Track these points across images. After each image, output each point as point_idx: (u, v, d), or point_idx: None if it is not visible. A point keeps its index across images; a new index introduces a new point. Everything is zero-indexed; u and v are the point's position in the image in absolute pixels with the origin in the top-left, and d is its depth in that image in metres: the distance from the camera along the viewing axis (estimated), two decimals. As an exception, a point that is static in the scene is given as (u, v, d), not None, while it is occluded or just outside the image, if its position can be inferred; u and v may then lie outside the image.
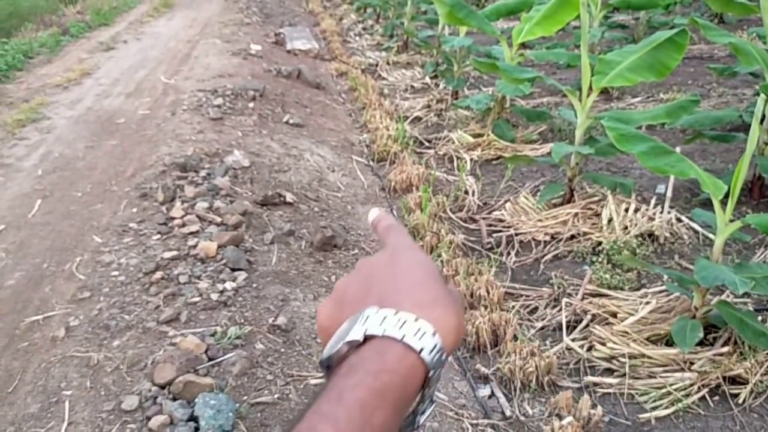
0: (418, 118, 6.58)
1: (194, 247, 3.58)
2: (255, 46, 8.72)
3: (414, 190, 4.78)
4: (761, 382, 2.73)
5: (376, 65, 8.74)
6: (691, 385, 2.77)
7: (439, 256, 3.83)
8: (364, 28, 11.27)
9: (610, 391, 2.83)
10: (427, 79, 7.76)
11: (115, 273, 3.41)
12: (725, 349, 2.87)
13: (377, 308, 0.55)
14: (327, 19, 12.20)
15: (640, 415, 2.68)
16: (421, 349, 0.52)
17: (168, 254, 3.51)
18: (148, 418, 2.40)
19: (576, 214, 4.18)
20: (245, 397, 2.59)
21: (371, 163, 5.62)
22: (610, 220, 4.03)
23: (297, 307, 3.29)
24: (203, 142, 5.12)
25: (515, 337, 3.10)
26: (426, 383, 0.54)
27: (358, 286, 0.60)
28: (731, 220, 2.89)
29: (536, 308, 3.48)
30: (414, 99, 7.18)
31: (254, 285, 3.39)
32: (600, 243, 3.87)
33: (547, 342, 3.16)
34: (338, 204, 4.70)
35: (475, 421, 2.69)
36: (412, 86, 7.73)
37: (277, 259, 3.71)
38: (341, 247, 4.01)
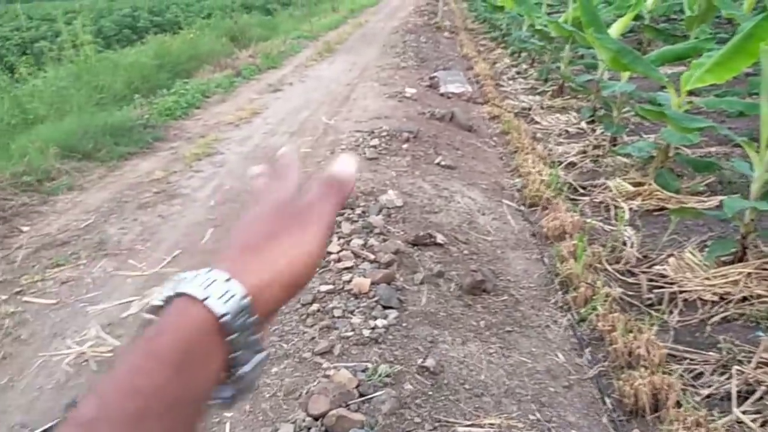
0: (572, 164, 6.42)
1: (348, 282, 3.71)
2: (410, 90, 8.98)
3: (567, 238, 4.64)
4: None
5: (530, 109, 8.66)
6: None
7: (594, 309, 3.68)
8: (518, 72, 11.23)
9: (789, 475, 2.54)
10: (583, 125, 7.56)
11: (275, 302, 3.60)
12: None
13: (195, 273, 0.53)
14: (480, 63, 12.31)
15: None
16: (206, 298, 0.49)
17: (324, 287, 3.66)
18: (302, 448, 2.49)
19: (749, 274, 3.85)
20: (394, 437, 2.61)
21: (522, 208, 5.54)
22: (790, 284, 3.67)
23: (445, 350, 3.29)
24: (359, 181, 5.32)
25: (678, 404, 2.89)
26: (231, 345, 0.49)
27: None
28: None
29: (701, 374, 3.23)
30: (568, 144, 7.02)
31: (404, 324, 3.43)
32: (778, 308, 3.52)
33: (715, 412, 2.90)
34: (487, 248, 4.67)
35: (631, 491, 2.52)
36: (567, 131, 7.56)
37: (426, 300, 3.74)
38: (490, 292, 3.96)
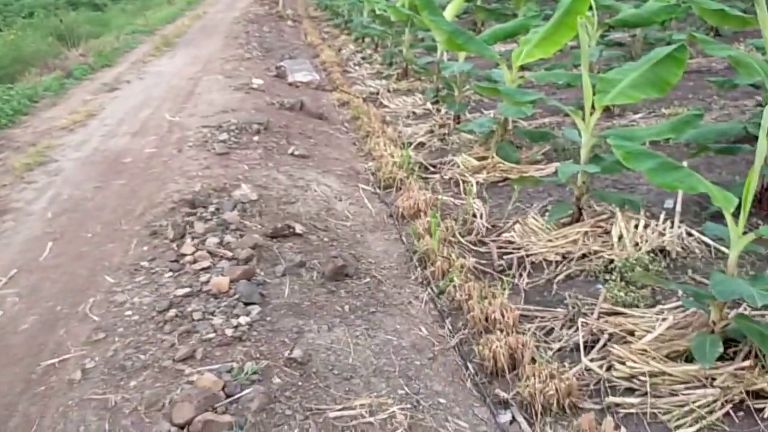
0: (421, 144, 6.61)
1: (206, 283, 3.59)
2: (257, 81, 8.81)
3: (422, 216, 4.78)
4: (785, 395, 2.69)
5: (377, 93, 8.80)
6: (714, 401, 2.74)
7: (452, 280, 3.83)
8: (363, 58, 11.38)
9: (632, 411, 2.79)
10: (429, 105, 7.81)
11: (129, 312, 3.41)
12: (747, 363, 2.84)
13: None
14: (326, 51, 12.34)
15: (665, 435, 2.64)
16: None
17: (181, 291, 3.52)
18: (169, 459, 2.38)
19: (586, 233, 4.17)
20: (265, 433, 2.57)
21: (378, 190, 5.64)
22: (620, 238, 4.02)
23: (312, 339, 3.28)
24: (210, 178, 5.15)
25: (533, 360, 3.08)
26: None
27: None
28: (744, 233, 2.88)
29: (552, 329, 3.46)
30: (416, 125, 7.22)
31: (268, 318, 3.38)
32: (612, 261, 3.85)
33: (566, 363, 3.12)
34: (347, 233, 4.71)
35: (497, 448, 2.66)
36: (414, 113, 7.78)
37: (289, 291, 3.71)
38: (353, 276, 4.00)
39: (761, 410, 2.69)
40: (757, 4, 3.78)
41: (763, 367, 2.82)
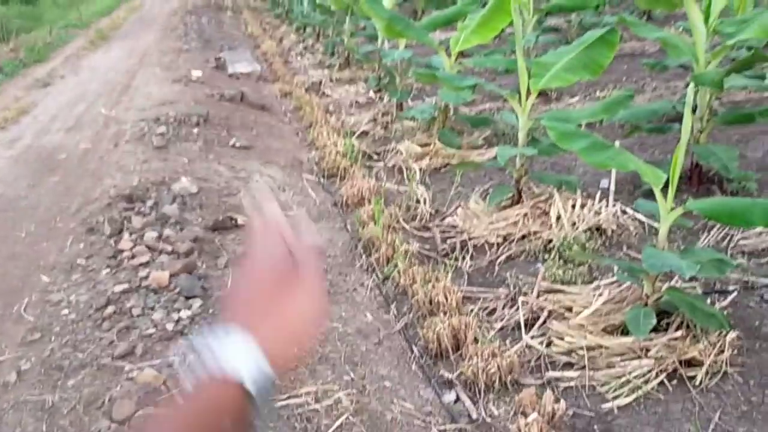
0: (365, 133, 6.61)
1: (146, 278, 3.52)
2: (196, 72, 8.65)
3: (366, 204, 4.79)
4: (715, 362, 2.80)
5: (320, 83, 8.75)
6: (649, 371, 2.83)
7: (396, 266, 3.85)
8: (305, 48, 11.28)
9: (571, 384, 2.87)
10: (371, 94, 7.81)
11: (66, 311, 3.32)
12: (679, 333, 2.95)
13: (204, 336, 0.57)
14: (267, 41, 12.19)
15: (603, 405, 2.72)
16: (237, 373, 0.55)
17: (119, 288, 3.44)
18: (109, 457, 2.34)
19: (525, 214, 4.25)
20: (209, 426, 2.54)
21: (322, 179, 5.62)
22: (558, 218, 4.12)
23: (256, 330, 3.25)
24: (149, 172, 5.04)
25: (476, 340, 3.13)
26: (251, 404, 0.56)
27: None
28: (673, 208, 2.99)
29: (494, 309, 3.52)
30: (360, 114, 7.22)
31: (210, 311, 3.34)
32: (551, 240, 3.94)
33: (507, 342, 3.19)
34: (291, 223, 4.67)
35: (442, 427, 2.70)
36: (357, 101, 7.76)
37: (232, 284, 3.66)
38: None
39: (693, 377, 2.79)
40: (682, -13, 3.91)
41: (694, 336, 2.93)
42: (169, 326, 3.11)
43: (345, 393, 2.83)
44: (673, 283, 3.28)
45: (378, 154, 6.01)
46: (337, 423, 2.64)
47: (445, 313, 3.34)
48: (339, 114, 7.32)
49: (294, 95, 8.16)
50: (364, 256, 4.21)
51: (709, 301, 3.16)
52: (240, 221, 4.36)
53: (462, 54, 6.01)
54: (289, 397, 2.77)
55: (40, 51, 11.97)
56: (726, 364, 2.80)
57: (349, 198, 4.98)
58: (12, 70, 10.47)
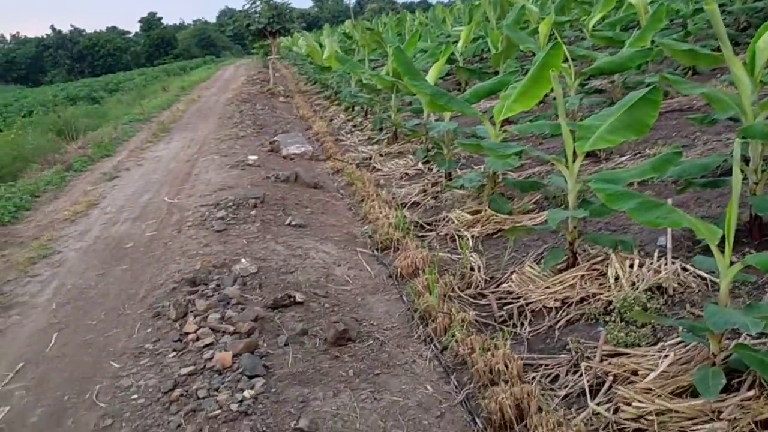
0: (416, 204, 6.72)
1: (210, 359, 3.62)
2: (252, 157, 9.01)
3: (420, 274, 4.83)
4: (794, 422, 2.68)
5: (370, 158, 8.99)
6: (724, 434, 2.72)
7: (453, 335, 3.84)
8: (354, 126, 11.65)
9: (643, 451, 2.77)
10: (420, 165, 7.97)
11: (135, 396, 3.43)
12: (751, 393, 2.83)
13: None
14: (318, 122, 12.64)
15: (677, 473, 2.61)
16: None
17: (185, 370, 3.54)
18: None
19: (582, 277, 4.21)
20: (275, 506, 2.55)
21: (376, 252, 5.71)
22: (616, 279, 4.06)
23: (318, 407, 3.28)
24: (210, 255, 5.23)
25: (540, 409, 3.07)
26: None
27: None
28: (732, 263, 2.92)
29: (557, 376, 3.45)
30: (410, 185, 7.36)
31: (273, 390, 3.39)
32: (610, 302, 3.87)
33: (573, 410, 3.12)
34: (348, 297, 4.75)
35: (510, 501, 2.63)
36: (407, 174, 7.93)
37: (293, 360, 3.73)
38: (355, 339, 4.02)
39: (772, 439, 2.67)
40: (722, 42, 3.93)
41: (768, 395, 2.81)
42: (234, 407, 3.17)
43: (409, 468, 2.80)
44: (741, 340, 3.17)
45: (429, 224, 6.08)
46: (403, 500, 2.61)
47: (506, 382, 3.30)
48: (389, 187, 7.47)
49: (345, 171, 8.39)
50: (421, 327, 4.22)
51: (781, 357, 3.02)
52: (298, 298, 4.45)
53: (507, 121, 6.12)
54: (353, 475, 2.76)
55: (107, 146, 12.70)
56: (807, 423, 2.66)
57: (403, 269, 5.04)
58: (81, 165, 11.12)
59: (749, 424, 2.71)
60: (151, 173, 9.54)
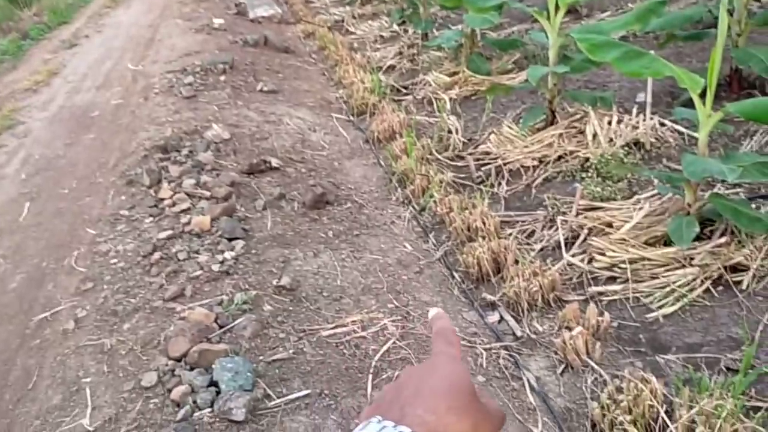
0: (391, 67, 6.52)
1: (188, 223, 3.59)
2: (217, 20, 8.57)
3: (398, 138, 4.76)
4: (762, 266, 2.77)
5: (342, 21, 8.62)
6: (694, 279, 2.81)
7: (432, 197, 3.85)
8: (324, -14, 11.05)
9: (615, 297, 2.87)
10: (395, 27, 7.65)
11: (114, 260, 3.43)
12: (723, 240, 2.91)
13: (379, 418, 0.56)
14: (286, -17, 11.96)
15: (648, 315, 2.73)
16: None
17: (163, 234, 3.53)
18: (169, 391, 2.45)
19: (560, 135, 4.18)
20: (261, 357, 2.63)
21: (351, 117, 5.59)
22: (594, 135, 4.04)
23: (299, 266, 3.32)
24: (180, 122, 5.08)
25: (516, 262, 3.14)
26: None
27: (393, 391, 0.61)
28: (711, 114, 2.90)
29: (533, 231, 3.51)
30: (385, 48, 7.10)
31: (253, 251, 3.41)
32: (587, 159, 3.88)
33: (548, 261, 3.19)
34: (324, 162, 4.69)
35: (488, 346, 2.75)
36: (381, 36, 7.63)
37: (272, 224, 3.72)
38: (333, 203, 4.02)
39: (739, 282, 2.77)
40: None
41: (739, 242, 2.89)
42: (215, 267, 3.19)
43: (390, 320, 2.89)
44: (715, 190, 3.22)
45: (406, 87, 5.93)
46: (384, 348, 2.71)
47: (483, 238, 3.35)
48: (364, 50, 7.21)
49: (317, 35, 8.05)
50: (399, 189, 4.22)
51: (754, 206, 3.09)
52: (274, 164, 4.39)
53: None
54: (336, 327, 2.84)
55: (63, 13, 11.96)
56: (773, 267, 2.76)
57: (380, 133, 4.96)
58: (37, 33, 10.52)
59: (719, 268, 2.80)
60: (112, 40, 9.06)
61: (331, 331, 2.81)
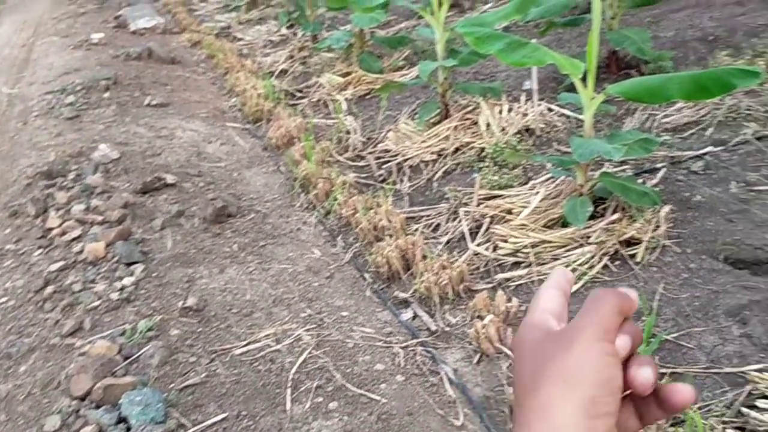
0: (284, 71, 6.43)
1: (81, 252, 3.40)
2: (96, 35, 8.17)
3: (296, 142, 4.70)
4: (653, 238, 2.92)
5: (229, 27, 8.44)
6: (593, 257, 2.93)
7: (335, 199, 3.82)
8: (207, -7, 10.78)
9: (521, 282, 2.95)
10: (284, 31, 7.57)
11: (3, 299, 3.19)
12: (615, 216, 3.04)
13: None
14: (167, -9, 11.57)
15: (553, 296, 2.81)
16: None
17: (55, 266, 3.31)
18: (76, 432, 2.30)
19: (456, 127, 4.26)
20: (172, 385, 2.52)
21: (247, 125, 5.47)
22: (488, 126, 4.14)
23: (205, 285, 3.21)
24: (64, 145, 4.80)
25: (425, 257, 3.16)
26: None
27: (531, 369, 0.54)
28: (594, 97, 3.02)
29: (438, 225, 3.55)
30: (275, 53, 7.00)
31: (154, 274, 3.27)
32: (483, 149, 3.97)
33: (455, 253, 3.24)
34: (223, 174, 4.57)
35: (404, 344, 2.75)
36: (271, 41, 7.52)
37: (172, 243, 3.58)
38: (236, 215, 3.91)
39: (634, 255, 2.91)
40: None
41: (630, 217, 3.03)
42: (114, 295, 3.03)
43: (304, 330, 2.85)
44: (604, 169, 3.37)
45: (300, 90, 5.87)
46: (301, 359, 2.66)
47: (391, 237, 3.36)
48: (254, 56, 7.09)
49: (204, 43, 7.83)
50: (302, 195, 4.16)
51: (640, 180, 3.25)
52: (170, 180, 4.23)
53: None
54: (248, 343, 2.77)
55: None
56: (663, 237, 2.92)
57: (277, 139, 4.88)
58: None
59: (614, 244, 2.93)
60: (-18, 63, 8.46)
61: (244, 349, 2.74)
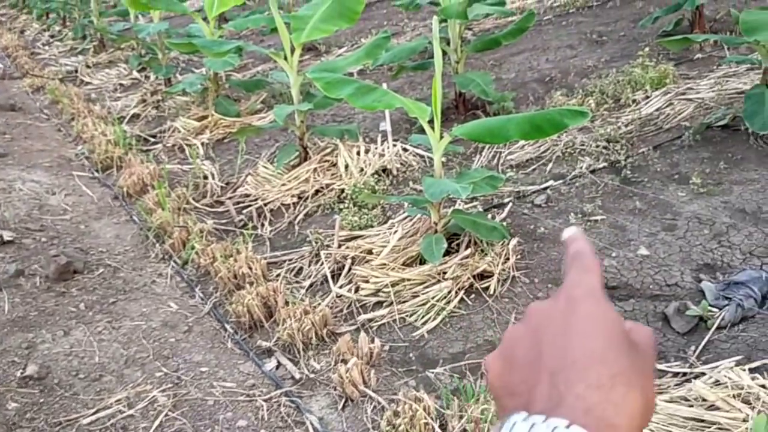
0: (136, 116, 6.19)
1: None
2: None
3: (150, 190, 4.50)
4: (503, 270, 3.05)
5: (76, 71, 8.02)
6: (449, 292, 3.01)
7: (193, 248, 3.68)
8: (51, 36, 10.23)
9: (384, 321, 2.97)
10: (136, 74, 7.30)
11: None
12: (468, 251, 3.16)
13: (525, 415, 0.43)
14: (6, 34, 10.87)
15: (414, 333, 2.86)
16: None
17: None
18: None
19: (315, 170, 4.27)
20: (8, 467, 2.28)
21: (96, 173, 5.18)
22: (346, 167, 4.19)
23: (47, 350, 2.96)
24: None
25: (287, 303, 3.11)
26: None
27: (529, 344, 0.48)
28: (441, 138, 3.15)
29: (301, 268, 3.52)
30: (127, 97, 6.73)
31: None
32: (343, 190, 4.00)
33: (318, 297, 3.21)
34: (68, 227, 4.27)
35: (267, 396, 2.67)
36: (121, 84, 7.23)
37: (10, 306, 3.28)
38: (83, 271, 3.66)
39: (487, 288, 3.02)
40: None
41: (482, 251, 3.16)
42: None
43: (160, 390, 2.69)
44: (457, 206, 3.50)
45: (154, 135, 5.67)
46: (156, 422, 2.50)
47: (251, 284, 3.27)
48: (103, 101, 6.77)
49: (48, 88, 7.37)
50: (157, 245, 3.98)
51: (490, 216, 3.41)
52: (7, 237, 3.89)
53: (224, 18, 5.80)
54: (97, 411, 2.56)
55: None
56: (512, 269, 3.06)
57: (129, 187, 4.65)
58: None
59: (468, 278, 3.03)
60: None
61: (93, 417, 2.53)
